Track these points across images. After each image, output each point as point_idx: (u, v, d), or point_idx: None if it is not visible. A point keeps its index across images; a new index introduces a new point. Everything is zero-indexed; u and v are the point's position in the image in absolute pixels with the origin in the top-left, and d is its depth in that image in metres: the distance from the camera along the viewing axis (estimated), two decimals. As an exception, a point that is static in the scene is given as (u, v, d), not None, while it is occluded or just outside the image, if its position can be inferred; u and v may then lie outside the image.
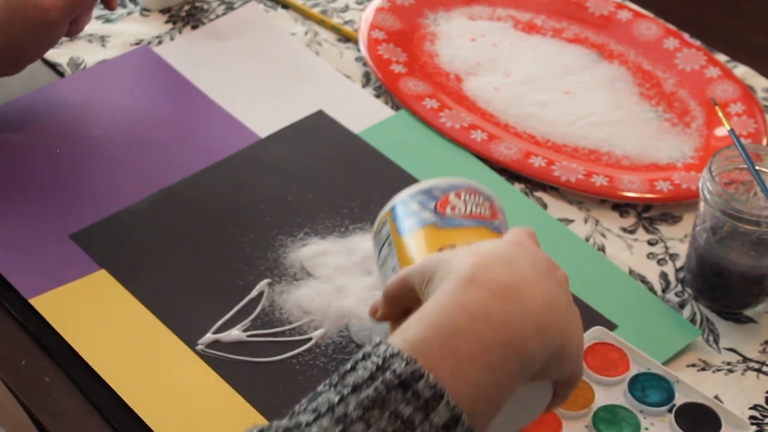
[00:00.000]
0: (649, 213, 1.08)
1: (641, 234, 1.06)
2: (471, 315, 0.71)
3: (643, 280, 1.02)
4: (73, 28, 1.07)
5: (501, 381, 0.70)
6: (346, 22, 1.25)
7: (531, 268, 0.76)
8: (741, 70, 1.23)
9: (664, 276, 1.03)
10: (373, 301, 0.81)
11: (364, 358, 0.69)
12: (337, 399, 0.67)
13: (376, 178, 1.08)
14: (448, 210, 0.85)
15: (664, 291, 1.01)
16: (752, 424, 0.91)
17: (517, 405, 0.74)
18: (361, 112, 1.15)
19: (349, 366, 0.69)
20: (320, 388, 0.69)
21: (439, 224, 0.84)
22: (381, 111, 1.15)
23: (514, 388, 0.72)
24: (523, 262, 0.76)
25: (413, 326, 0.71)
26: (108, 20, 1.22)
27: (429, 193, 0.86)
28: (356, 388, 0.67)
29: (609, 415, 0.90)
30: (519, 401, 0.74)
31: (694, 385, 0.92)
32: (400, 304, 0.79)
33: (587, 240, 1.05)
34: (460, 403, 0.67)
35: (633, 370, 0.92)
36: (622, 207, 1.09)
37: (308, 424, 0.66)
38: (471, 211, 0.85)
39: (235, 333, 0.94)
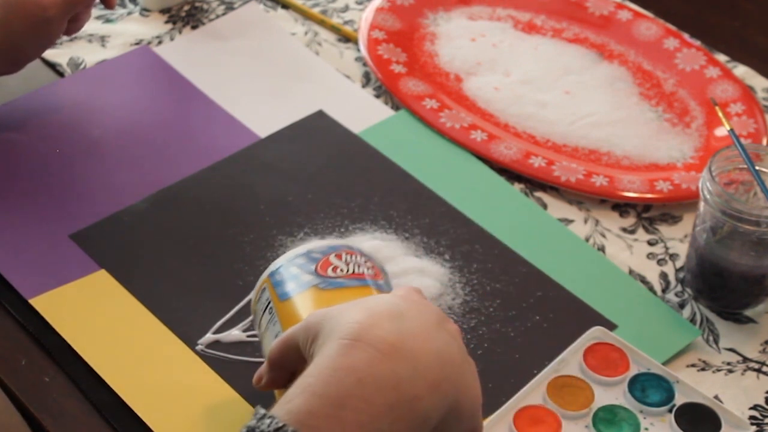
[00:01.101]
0: (649, 213, 1.08)
1: (641, 234, 1.06)
2: (358, 379, 0.68)
3: (643, 280, 1.02)
4: (72, 26, 1.07)
5: None
6: (346, 22, 1.25)
7: (421, 322, 0.73)
8: (741, 70, 1.23)
9: (664, 276, 1.03)
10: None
11: None
12: None
13: (376, 178, 1.08)
14: (330, 271, 0.83)
15: (664, 291, 1.01)
16: (752, 424, 0.91)
17: None
18: (361, 112, 1.15)
19: None
20: None
21: (322, 285, 0.82)
22: (381, 111, 1.15)
23: None
24: (413, 316, 0.73)
25: (298, 395, 0.68)
26: (108, 20, 1.22)
27: (308, 256, 0.84)
28: None
29: (609, 415, 0.90)
30: None
31: (694, 385, 0.92)
32: (285, 367, 0.76)
33: (587, 240, 1.05)
34: None
35: (633, 370, 0.92)
36: (622, 207, 1.09)
37: None
38: (353, 270, 0.84)
39: (235, 333, 0.94)
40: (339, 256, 0.84)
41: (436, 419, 0.71)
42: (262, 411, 0.68)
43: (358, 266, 0.84)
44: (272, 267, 0.85)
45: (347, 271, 0.83)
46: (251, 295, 0.87)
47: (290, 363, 0.76)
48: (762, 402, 0.94)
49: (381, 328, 0.71)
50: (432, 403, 0.70)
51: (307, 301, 0.82)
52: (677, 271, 1.03)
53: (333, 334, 0.71)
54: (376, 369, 0.69)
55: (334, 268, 0.83)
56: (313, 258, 0.84)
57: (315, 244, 0.86)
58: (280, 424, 0.66)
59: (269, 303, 0.84)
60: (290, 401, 0.68)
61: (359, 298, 0.77)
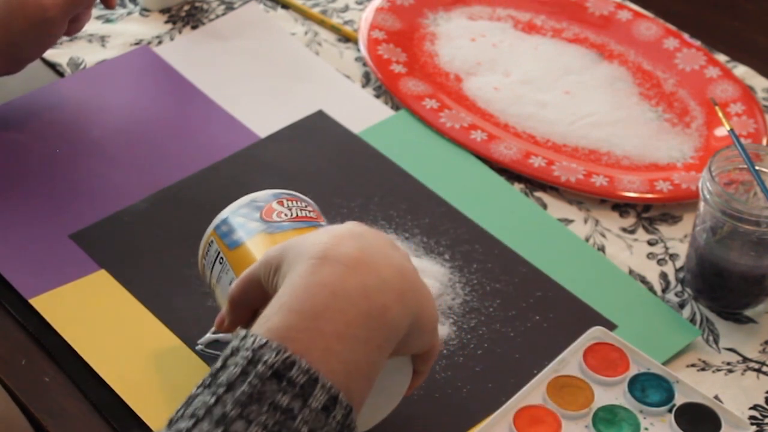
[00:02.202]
0: (649, 213, 1.08)
1: (641, 234, 1.06)
2: (330, 292, 0.72)
3: (643, 280, 1.02)
4: (72, 26, 1.07)
5: (370, 353, 0.72)
6: (346, 22, 1.25)
7: (379, 242, 0.77)
8: (741, 70, 1.23)
9: (664, 276, 1.03)
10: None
11: (233, 353, 0.69)
12: (213, 400, 0.67)
13: (376, 178, 1.08)
14: (275, 216, 0.86)
15: (664, 291, 1.01)
16: (752, 424, 0.91)
17: (383, 384, 0.76)
18: (361, 112, 1.15)
19: (219, 364, 0.69)
20: (194, 391, 0.69)
21: (269, 230, 0.86)
22: (381, 111, 1.15)
23: (384, 360, 0.73)
24: (371, 237, 0.77)
25: (275, 314, 0.71)
26: (108, 20, 1.22)
27: (251, 206, 0.88)
28: (230, 386, 0.68)
29: (609, 415, 0.90)
30: (383, 380, 0.76)
31: (694, 385, 0.92)
32: (247, 305, 0.79)
33: (587, 240, 1.05)
34: (335, 382, 0.68)
35: (633, 370, 0.92)
36: (622, 207, 1.09)
37: (188, 431, 0.67)
38: (297, 214, 0.87)
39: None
40: (281, 203, 0.88)
41: (404, 329, 0.74)
42: (244, 331, 0.70)
43: (301, 210, 0.87)
44: (216, 220, 0.88)
45: (291, 215, 0.87)
46: (200, 248, 0.89)
47: (252, 300, 0.78)
48: (762, 402, 0.94)
49: (346, 246, 0.74)
50: (399, 311, 0.74)
51: (257, 245, 0.85)
52: (677, 271, 1.03)
53: (300, 257, 0.74)
54: (346, 282, 0.72)
55: (279, 213, 0.87)
56: (256, 206, 0.87)
57: (256, 193, 0.89)
58: (263, 341, 0.68)
59: (219, 254, 0.86)
60: (268, 320, 0.71)
61: None
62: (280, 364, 0.68)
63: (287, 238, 0.83)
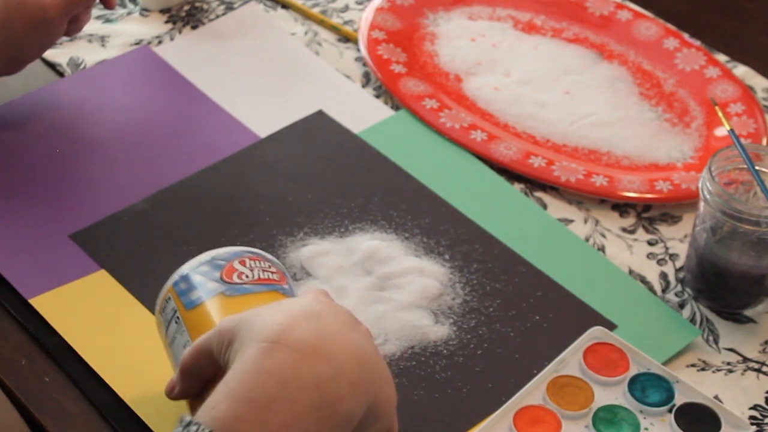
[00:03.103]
0: (649, 213, 1.08)
1: (641, 234, 1.06)
2: (280, 381, 0.69)
3: (643, 280, 1.02)
4: (72, 27, 1.07)
5: None
6: (346, 22, 1.25)
7: (337, 323, 0.73)
8: (741, 70, 1.23)
9: (664, 276, 1.03)
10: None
11: None
12: None
13: (376, 178, 1.08)
14: (236, 277, 0.82)
15: (664, 291, 1.01)
16: (752, 424, 0.91)
17: None
18: (361, 112, 1.15)
19: None
20: None
21: (228, 292, 0.81)
22: (381, 111, 1.15)
23: None
24: (328, 316, 0.73)
25: (222, 401, 0.68)
26: (108, 20, 1.22)
27: (212, 263, 0.83)
28: None
29: (609, 415, 0.90)
30: None
31: (694, 385, 0.92)
32: (198, 376, 0.76)
33: (587, 240, 1.05)
34: None
35: (633, 370, 0.92)
36: (621, 207, 1.09)
37: None
38: (259, 276, 0.83)
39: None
40: (243, 262, 0.83)
41: (357, 418, 0.71)
42: (188, 418, 0.68)
43: (263, 271, 0.83)
44: (175, 276, 0.84)
45: (253, 276, 0.83)
46: (158, 301, 0.85)
47: (203, 371, 0.75)
48: (762, 402, 0.94)
49: (300, 329, 0.71)
50: (354, 402, 0.71)
51: (215, 308, 0.81)
52: (677, 271, 1.03)
53: (251, 337, 0.71)
54: (298, 370, 0.69)
55: (240, 274, 0.82)
56: (217, 265, 0.83)
57: (218, 250, 0.85)
58: (207, 431, 0.66)
59: (175, 312, 0.82)
60: (215, 407, 0.68)
61: (268, 302, 0.78)
62: None
63: (247, 302, 0.80)
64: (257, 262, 0.84)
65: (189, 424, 0.67)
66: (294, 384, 0.69)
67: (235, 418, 0.67)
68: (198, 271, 0.83)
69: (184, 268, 0.84)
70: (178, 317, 0.82)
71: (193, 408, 0.77)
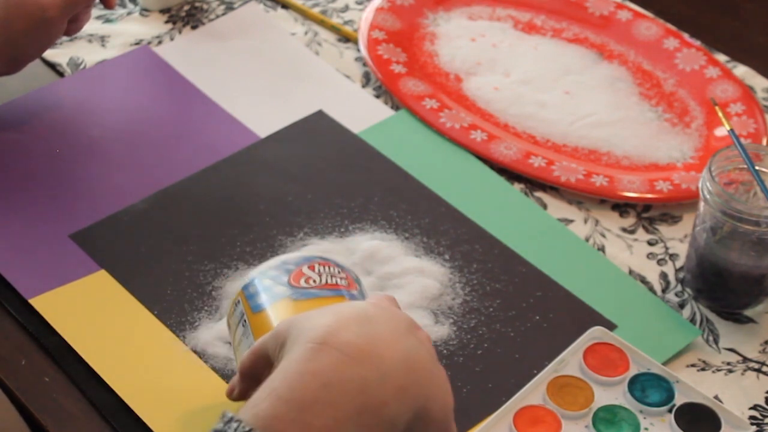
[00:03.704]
0: (649, 213, 1.08)
1: (641, 234, 1.06)
2: (323, 383, 0.68)
3: (643, 280, 1.02)
4: (72, 26, 1.07)
5: None
6: (346, 22, 1.25)
7: (389, 327, 0.73)
8: (741, 70, 1.23)
9: (664, 276, 1.03)
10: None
11: None
12: None
13: (376, 178, 1.08)
14: (302, 282, 0.83)
15: (664, 291, 1.01)
16: (752, 424, 0.91)
17: None
18: (361, 112, 1.15)
19: None
20: None
21: (294, 296, 0.82)
22: (381, 111, 1.15)
23: None
24: (381, 321, 0.73)
25: (264, 399, 0.68)
26: (108, 20, 1.22)
27: (281, 268, 0.84)
28: None
29: (609, 415, 0.90)
30: None
31: (694, 385, 0.92)
32: (256, 377, 0.75)
33: (587, 240, 1.05)
34: None
35: (633, 370, 0.92)
36: (622, 207, 1.09)
37: None
38: (326, 281, 0.83)
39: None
40: (312, 267, 0.84)
41: (402, 425, 0.71)
42: (230, 414, 0.67)
43: (332, 277, 0.84)
44: (246, 280, 0.85)
45: (320, 281, 0.83)
46: (229, 305, 0.86)
47: (261, 373, 0.75)
48: (762, 402, 0.94)
49: (348, 332, 0.71)
50: (398, 408, 0.70)
51: (279, 312, 0.81)
52: (677, 271, 1.03)
53: (300, 338, 0.71)
54: (342, 373, 0.69)
55: (307, 279, 0.83)
56: (286, 269, 0.84)
57: (289, 255, 0.85)
58: (247, 429, 0.66)
59: (243, 316, 0.83)
60: (256, 405, 0.68)
61: None
62: None
63: (311, 306, 0.79)
64: (326, 267, 0.84)
65: (230, 420, 0.67)
66: (337, 387, 0.68)
67: (274, 417, 0.67)
68: (267, 275, 0.84)
69: (254, 273, 0.85)
70: (245, 320, 0.83)
71: None
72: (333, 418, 0.68)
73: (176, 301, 0.96)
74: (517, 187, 1.09)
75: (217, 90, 1.16)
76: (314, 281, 0.83)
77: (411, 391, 0.71)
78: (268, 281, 0.84)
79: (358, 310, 0.74)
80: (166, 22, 1.23)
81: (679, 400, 0.91)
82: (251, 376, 0.76)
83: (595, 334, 0.94)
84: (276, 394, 0.68)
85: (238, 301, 0.84)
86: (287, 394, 0.68)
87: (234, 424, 0.66)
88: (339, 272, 0.85)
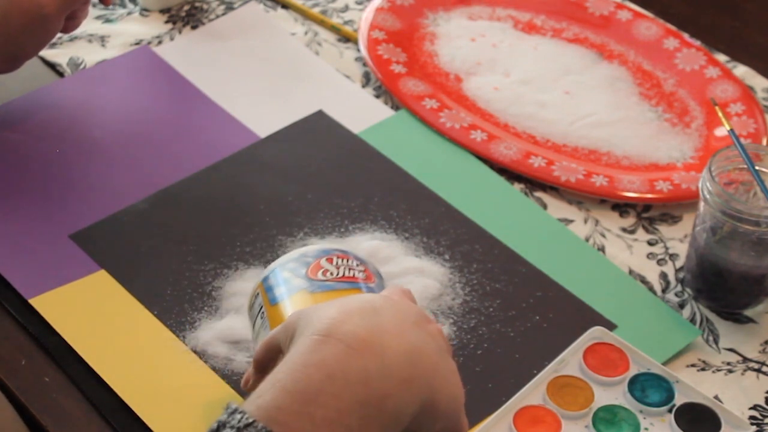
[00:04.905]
0: (649, 213, 1.08)
1: (641, 234, 1.06)
2: (327, 374, 0.68)
3: (643, 280, 1.02)
4: (69, 23, 1.07)
5: None
6: (345, 22, 1.25)
7: (395, 319, 0.73)
8: (741, 70, 1.23)
9: (663, 276, 1.03)
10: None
11: (219, 428, 0.67)
12: None
13: (375, 178, 1.08)
14: (320, 274, 0.83)
15: (663, 291, 1.01)
16: (752, 424, 0.91)
17: None
18: (361, 112, 1.15)
19: None
20: None
21: (311, 289, 0.83)
22: (381, 111, 1.15)
23: None
24: (388, 312, 0.73)
25: (268, 390, 0.68)
26: (108, 20, 1.22)
27: (300, 260, 0.85)
28: None
29: (609, 415, 0.90)
30: None
31: (693, 385, 0.92)
32: (270, 368, 0.74)
33: (587, 240, 1.05)
34: None
35: (633, 370, 0.92)
36: (621, 207, 1.09)
37: None
38: (344, 273, 0.84)
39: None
40: (330, 260, 0.85)
41: (407, 417, 0.71)
42: (234, 405, 0.68)
43: (349, 269, 0.84)
44: (265, 272, 0.86)
45: (337, 274, 0.84)
46: (249, 297, 0.87)
47: (274, 364, 0.75)
48: (762, 402, 0.94)
49: (352, 323, 0.71)
50: (402, 400, 0.70)
51: (296, 304, 0.82)
52: (677, 271, 1.03)
53: (306, 330, 0.71)
54: (345, 364, 0.69)
55: (324, 272, 0.84)
56: (305, 262, 0.85)
57: (308, 248, 0.86)
58: (250, 420, 0.66)
59: (261, 308, 0.84)
60: (260, 396, 0.68)
61: None
62: None
63: (327, 298, 0.80)
64: (344, 260, 0.85)
65: (234, 411, 0.67)
66: (340, 378, 0.68)
67: (278, 408, 0.67)
68: (286, 267, 0.85)
69: (274, 265, 0.86)
70: (263, 312, 0.84)
71: None
72: (336, 410, 0.68)
73: (176, 301, 0.96)
74: (517, 187, 1.09)
75: (217, 90, 1.16)
76: (331, 274, 0.84)
77: (415, 383, 0.71)
78: (287, 273, 0.84)
79: (364, 302, 0.74)
80: (166, 22, 1.23)
81: (679, 400, 0.91)
82: (264, 367, 0.77)
83: (595, 334, 0.94)
84: (280, 385, 0.68)
85: (258, 293, 0.85)
86: (291, 386, 0.68)
87: (238, 416, 0.66)
88: (357, 265, 0.85)
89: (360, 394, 0.69)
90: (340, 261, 0.85)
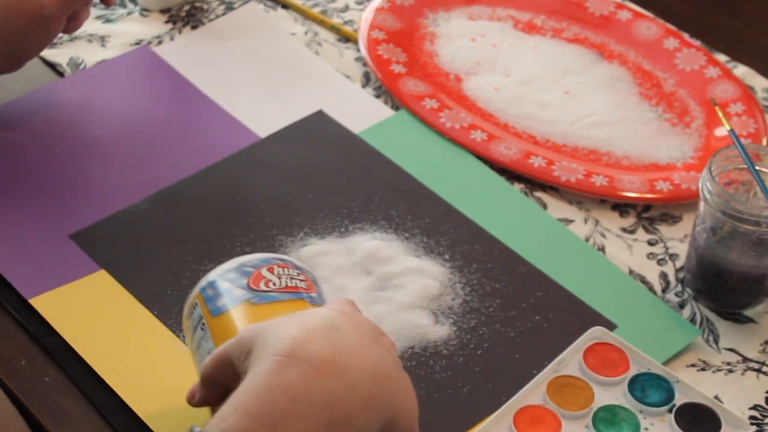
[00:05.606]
0: (649, 213, 1.08)
1: (641, 234, 1.06)
2: (292, 397, 0.68)
3: (643, 280, 1.02)
4: (71, 24, 1.07)
5: None
6: (346, 22, 1.25)
7: (356, 336, 0.73)
8: (741, 70, 1.23)
9: (664, 276, 1.03)
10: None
11: None
12: None
13: (376, 178, 1.08)
14: (262, 285, 0.82)
15: (664, 291, 1.01)
16: (752, 424, 0.91)
17: None
18: (361, 112, 1.15)
19: None
20: None
21: (254, 300, 0.81)
22: (381, 111, 1.15)
23: None
24: (348, 330, 0.73)
25: (231, 414, 0.67)
26: (108, 20, 1.22)
27: (239, 270, 0.83)
28: None
29: (609, 415, 0.90)
30: None
31: (694, 385, 0.92)
32: (219, 383, 0.75)
33: (587, 240, 1.05)
34: None
35: (633, 370, 0.92)
36: (622, 207, 1.09)
37: None
38: (286, 284, 0.82)
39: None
40: (271, 270, 0.83)
41: None
42: (198, 429, 0.68)
43: (291, 279, 0.83)
44: (202, 282, 0.84)
45: (280, 284, 0.82)
46: (185, 307, 0.85)
47: (224, 379, 0.75)
48: (762, 402, 0.94)
49: (315, 344, 0.71)
50: (366, 420, 0.70)
51: (240, 316, 0.80)
52: (677, 271, 1.03)
53: (266, 349, 0.71)
54: (310, 386, 0.69)
55: (267, 282, 0.82)
56: (245, 272, 0.83)
57: (246, 257, 0.84)
58: None
59: (201, 319, 0.82)
60: (224, 420, 0.68)
61: (293, 312, 0.77)
62: None
63: (272, 310, 0.79)
64: (286, 269, 0.83)
65: None
66: (305, 401, 0.68)
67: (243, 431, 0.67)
68: (225, 277, 0.83)
69: (212, 275, 0.83)
70: (203, 324, 0.82)
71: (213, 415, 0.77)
72: None
73: (176, 301, 0.96)
74: (517, 187, 1.09)
75: (217, 90, 1.16)
76: (274, 284, 0.82)
77: (378, 401, 0.71)
78: (227, 284, 0.82)
79: (324, 320, 0.73)
80: (166, 22, 1.23)
81: (679, 400, 0.91)
82: (213, 381, 0.76)
83: (595, 334, 0.94)
84: (243, 408, 0.68)
85: (196, 304, 0.83)
86: (255, 409, 0.67)
87: None
88: (298, 274, 0.84)
89: (325, 416, 0.68)
90: (281, 270, 0.83)
